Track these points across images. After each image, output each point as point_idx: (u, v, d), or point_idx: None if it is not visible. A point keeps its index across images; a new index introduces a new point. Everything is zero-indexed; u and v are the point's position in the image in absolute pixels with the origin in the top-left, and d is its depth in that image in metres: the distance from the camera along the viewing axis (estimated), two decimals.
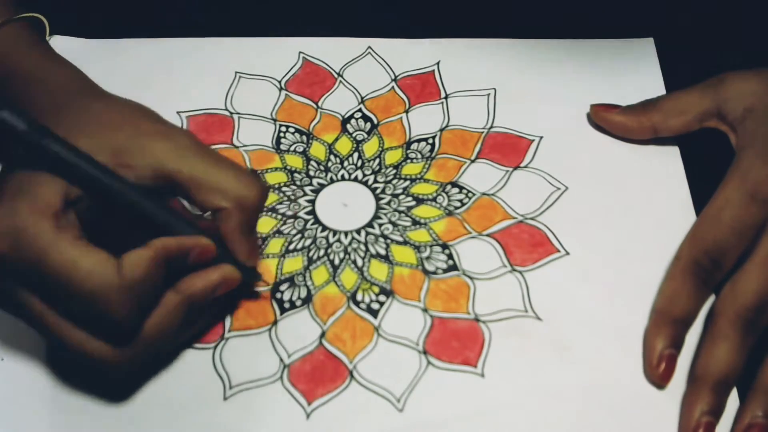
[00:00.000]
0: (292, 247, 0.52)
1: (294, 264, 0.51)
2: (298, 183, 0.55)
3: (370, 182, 0.55)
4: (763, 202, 0.48)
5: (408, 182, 0.54)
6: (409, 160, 0.55)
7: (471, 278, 0.50)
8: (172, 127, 0.47)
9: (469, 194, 0.54)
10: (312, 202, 0.54)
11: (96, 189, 0.43)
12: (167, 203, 0.46)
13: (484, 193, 0.54)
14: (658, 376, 0.46)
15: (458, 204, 0.53)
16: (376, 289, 0.50)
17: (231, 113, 0.58)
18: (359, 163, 0.55)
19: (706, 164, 0.52)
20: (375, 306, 0.49)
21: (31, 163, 0.43)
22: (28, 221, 0.41)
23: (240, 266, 0.47)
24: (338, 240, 0.52)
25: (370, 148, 0.56)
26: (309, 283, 0.50)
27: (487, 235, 0.52)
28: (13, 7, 0.54)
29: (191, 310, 0.45)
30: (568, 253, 0.51)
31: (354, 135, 0.57)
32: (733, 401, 0.46)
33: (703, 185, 0.52)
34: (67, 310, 0.42)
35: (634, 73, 0.59)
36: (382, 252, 0.52)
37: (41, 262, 0.41)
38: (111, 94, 0.49)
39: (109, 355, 0.43)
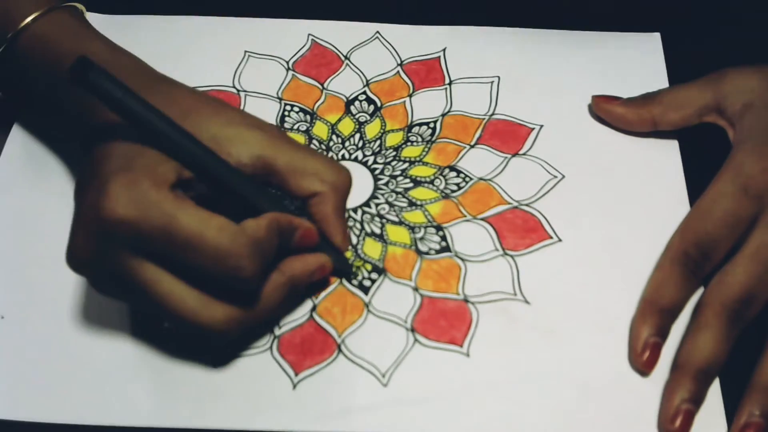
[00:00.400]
0: None
1: None
2: None
3: (369, 163, 0.55)
4: (755, 196, 0.48)
5: (407, 164, 0.55)
6: (409, 143, 0.56)
7: (463, 260, 0.51)
8: (259, 119, 0.48)
9: (467, 178, 0.54)
10: None
11: (209, 173, 0.44)
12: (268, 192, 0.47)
13: (481, 178, 0.54)
14: (642, 364, 0.47)
15: (455, 187, 0.54)
16: (369, 267, 0.51)
17: (238, 90, 0.58)
18: (360, 144, 0.56)
19: (705, 160, 0.53)
20: (367, 283, 0.50)
21: (145, 142, 0.44)
22: (151, 190, 0.42)
23: (333, 257, 0.48)
24: None
25: (372, 129, 0.57)
26: None
27: (482, 219, 0.53)
28: None
29: (290, 291, 0.46)
30: (560, 240, 0.52)
31: (357, 116, 0.57)
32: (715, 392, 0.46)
33: (700, 180, 0.52)
34: (190, 273, 0.42)
35: (638, 67, 0.59)
36: (377, 231, 0.52)
37: (171, 224, 0.41)
38: (176, 81, 0.49)
39: (220, 325, 0.43)
